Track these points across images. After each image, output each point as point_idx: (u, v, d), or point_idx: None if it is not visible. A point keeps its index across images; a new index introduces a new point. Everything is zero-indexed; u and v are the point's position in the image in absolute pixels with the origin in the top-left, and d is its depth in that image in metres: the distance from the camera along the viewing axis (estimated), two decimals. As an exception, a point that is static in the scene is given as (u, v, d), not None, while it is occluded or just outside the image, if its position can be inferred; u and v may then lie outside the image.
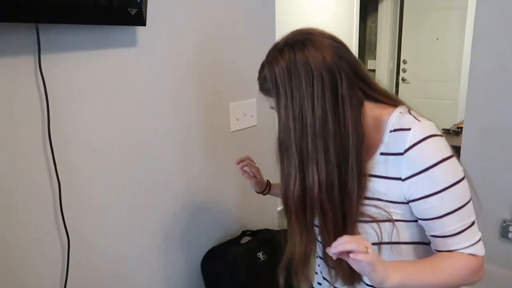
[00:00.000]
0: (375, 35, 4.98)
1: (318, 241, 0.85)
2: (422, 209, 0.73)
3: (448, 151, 0.71)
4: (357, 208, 0.74)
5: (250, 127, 1.70)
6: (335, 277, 0.82)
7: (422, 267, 0.73)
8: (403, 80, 5.02)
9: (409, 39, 4.88)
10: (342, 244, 0.63)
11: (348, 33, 4.13)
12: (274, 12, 1.73)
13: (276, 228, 1.91)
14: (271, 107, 0.78)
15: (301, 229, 0.79)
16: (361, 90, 0.75)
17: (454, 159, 0.72)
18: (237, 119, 1.62)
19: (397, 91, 5.12)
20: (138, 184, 1.30)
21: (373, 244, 0.71)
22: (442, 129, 2.98)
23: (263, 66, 0.77)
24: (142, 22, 1.13)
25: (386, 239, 0.75)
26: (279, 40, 0.76)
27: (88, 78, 1.12)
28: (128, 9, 1.07)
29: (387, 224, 0.75)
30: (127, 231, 1.29)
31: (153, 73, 1.29)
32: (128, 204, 1.28)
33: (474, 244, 0.74)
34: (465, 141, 2.21)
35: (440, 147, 0.71)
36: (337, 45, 0.74)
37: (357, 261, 0.63)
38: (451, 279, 0.73)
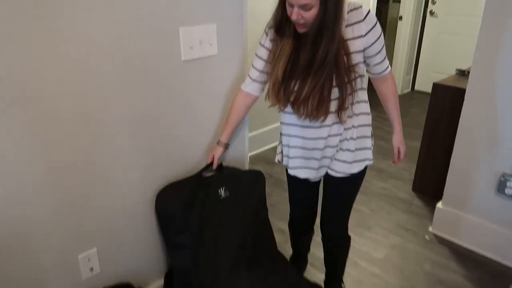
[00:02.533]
0: (405, -42, 4.39)
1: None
2: (372, 48, 1.27)
3: None
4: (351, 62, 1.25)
5: (209, 56, 1.50)
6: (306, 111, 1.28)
7: (396, 112, 1.47)
8: (431, 13, 4.49)
9: (443, -35, 4.28)
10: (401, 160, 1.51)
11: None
12: None
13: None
14: (303, 6, 1.12)
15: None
16: None
17: None
18: (191, 47, 1.43)
19: (423, 26, 4.62)
20: (81, 116, 1.18)
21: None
22: (457, 70, 2.64)
23: None
24: None
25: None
26: None
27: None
28: None
29: (362, 65, 1.31)
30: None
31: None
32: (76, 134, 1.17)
33: (388, 65, 1.38)
34: (470, 85, 1.93)
35: (375, 16, 1.27)
36: None
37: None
38: (395, 92, 1.45)
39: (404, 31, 4.57)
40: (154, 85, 1.38)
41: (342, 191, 1.49)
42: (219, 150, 1.55)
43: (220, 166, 1.62)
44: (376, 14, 4.11)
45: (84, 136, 1.25)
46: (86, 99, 1.22)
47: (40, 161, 1.17)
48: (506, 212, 1.96)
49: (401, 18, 4.55)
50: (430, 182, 2.55)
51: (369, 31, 1.23)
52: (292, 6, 1.14)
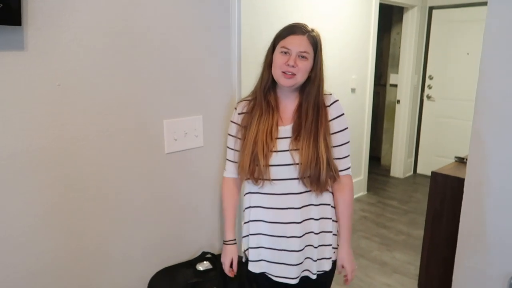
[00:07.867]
0: (400, 47, 4.60)
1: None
2: (334, 138, 1.27)
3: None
4: None
5: (194, 148, 1.46)
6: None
7: (346, 225, 1.33)
8: (428, 97, 4.59)
9: (437, 53, 4.46)
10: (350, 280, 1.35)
11: (364, 45, 3.78)
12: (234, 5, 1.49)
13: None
14: (303, 53, 1.21)
15: None
16: None
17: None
18: (175, 139, 1.39)
19: (420, 109, 4.70)
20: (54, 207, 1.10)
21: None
22: (456, 157, 2.59)
23: (312, 30, 1.25)
24: (14, 21, 0.93)
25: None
26: (304, 23, 1.25)
27: None
28: (-11, 4, 0.88)
29: None
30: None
31: (51, 82, 1.09)
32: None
33: (349, 167, 1.32)
34: (469, 174, 1.84)
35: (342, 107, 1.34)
36: None
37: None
38: (350, 205, 1.34)
39: (403, 114, 4.63)
40: (138, 178, 1.32)
41: None
42: (233, 250, 1.37)
43: (215, 257, 1.50)
44: (374, 98, 4.21)
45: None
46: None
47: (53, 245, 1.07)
48: (522, 320, 1.76)
49: (398, 101, 4.64)
50: (436, 278, 2.36)
51: (334, 119, 1.26)
52: (287, 53, 1.21)
